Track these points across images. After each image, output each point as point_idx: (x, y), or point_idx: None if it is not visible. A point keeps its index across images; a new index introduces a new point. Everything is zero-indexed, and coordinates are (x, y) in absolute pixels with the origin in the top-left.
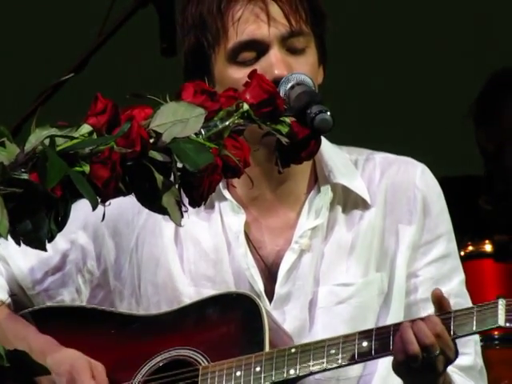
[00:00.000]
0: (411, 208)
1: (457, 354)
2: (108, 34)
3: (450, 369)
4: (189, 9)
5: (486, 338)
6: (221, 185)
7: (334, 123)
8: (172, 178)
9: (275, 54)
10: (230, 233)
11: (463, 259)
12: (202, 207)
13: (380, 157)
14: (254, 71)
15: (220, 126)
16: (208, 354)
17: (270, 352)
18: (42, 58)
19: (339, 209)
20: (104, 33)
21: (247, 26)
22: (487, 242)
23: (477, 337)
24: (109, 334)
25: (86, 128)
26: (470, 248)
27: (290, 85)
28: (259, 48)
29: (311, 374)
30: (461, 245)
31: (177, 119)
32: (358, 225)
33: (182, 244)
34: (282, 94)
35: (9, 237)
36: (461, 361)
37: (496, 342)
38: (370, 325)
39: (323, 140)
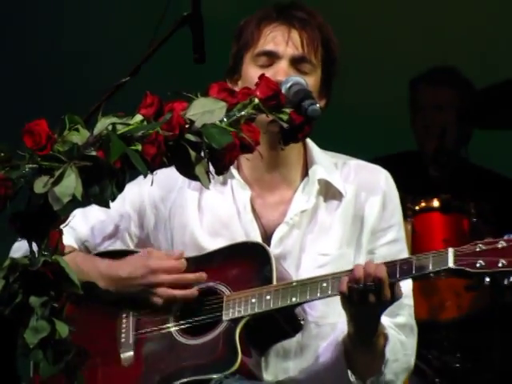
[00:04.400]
0: (374, 203)
1: (393, 297)
2: (156, 46)
3: (388, 324)
4: (240, 26)
5: None
6: (232, 167)
7: (321, 112)
8: (202, 154)
9: (281, 66)
10: (239, 203)
11: (418, 212)
12: (219, 183)
13: (354, 162)
14: (263, 75)
15: (238, 115)
16: (230, 286)
17: (277, 285)
18: (107, 65)
19: (321, 198)
20: (153, 45)
21: (272, 40)
22: (435, 199)
23: (411, 302)
24: None
25: (138, 117)
26: (423, 204)
27: (289, 84)
28: (274, 58)
29: (307, 301)
30: (416, 202)
31: (205, 110)
32: (335, 211)
33: (202, 212)
34: (283, 91)
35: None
36: (397, 319)
37: (442, 274)
38: None
39: (314, 145)
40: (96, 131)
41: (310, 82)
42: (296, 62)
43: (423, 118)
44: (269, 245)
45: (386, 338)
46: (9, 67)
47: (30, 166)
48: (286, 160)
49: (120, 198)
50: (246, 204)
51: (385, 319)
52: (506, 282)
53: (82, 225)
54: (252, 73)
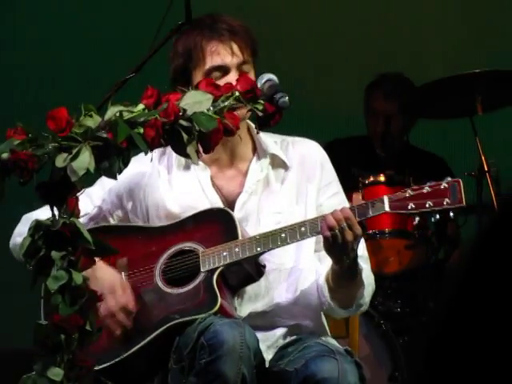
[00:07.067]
0: (314, 168)
1: (362, 230)
2: (155, 48)
3: None
4: (179, 42)
5: (380, 232)
6: None
7: (290, 104)
8: (193, 136)
9: (234, 76)
10: (203, 181)
11: (368, 185)
12: (184, 169)
13: (290, 139)
14: (243, 73)
15: (221, 105)
16: (203, 244)
17: (243, 240)
18: (113, 63)
19: (270, 169)
20: (153, 48)
21: (219, 56)
22: (382, 174)
23: (363, 244)
24: (139, 237)
25: (140, 106)
26: (371, 178)
27: (264, 80)
28: (224, 70)
29: (271, 249)
30: (366, 176)
31: (196, 101)
32: (283, 178)
33: (173, 190)
34: (258, 85)
35: None
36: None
37: (386, 235)
38: None
39: (253, 127)
40: (106, 117)
41: (251, 76)
42: (240, 67)
43: (373, 116)
44: (232, 210)
45: (361, 268)
46: None
47: (53, 144)
48: (237, 140)
49: (101, 187)
50: (208, 181)
51: None
52: (433, 220)
53: None
54: None
